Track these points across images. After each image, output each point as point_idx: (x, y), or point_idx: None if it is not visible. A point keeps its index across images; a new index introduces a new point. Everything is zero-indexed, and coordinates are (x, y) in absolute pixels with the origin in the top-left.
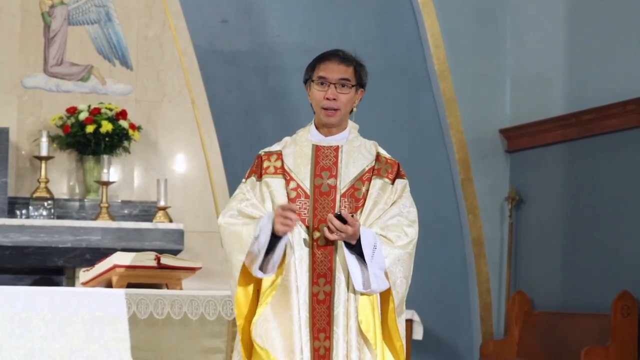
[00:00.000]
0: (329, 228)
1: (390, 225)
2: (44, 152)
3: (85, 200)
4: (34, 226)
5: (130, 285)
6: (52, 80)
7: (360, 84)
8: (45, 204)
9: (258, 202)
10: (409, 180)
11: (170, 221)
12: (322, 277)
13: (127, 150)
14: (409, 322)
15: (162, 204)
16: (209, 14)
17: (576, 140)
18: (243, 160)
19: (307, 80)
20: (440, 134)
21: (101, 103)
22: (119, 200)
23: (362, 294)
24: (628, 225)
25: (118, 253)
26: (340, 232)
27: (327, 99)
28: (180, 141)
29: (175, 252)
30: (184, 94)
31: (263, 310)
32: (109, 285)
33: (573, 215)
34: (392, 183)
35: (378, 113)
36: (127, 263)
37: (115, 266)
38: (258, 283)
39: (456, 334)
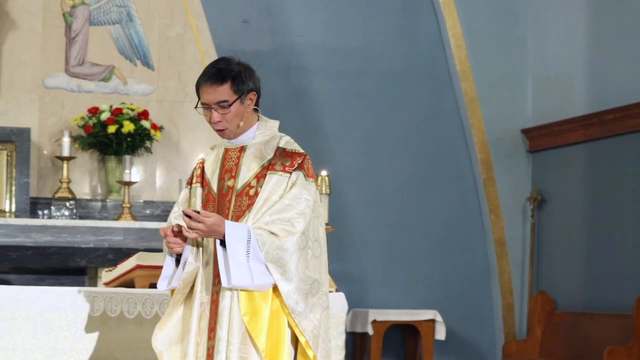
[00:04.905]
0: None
1: (276, 219)
2: (65, 153)
3: (107, 200)
4: (56, 226)
5: (152, 286)
6: (74, 81)
7: (242, 92)
8: (67, 204)
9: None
10: (432, 181)
11: None
12: (217, 277)
13: (148, 150)
14: (431, 322)
15: None
16: (231, 14)
17: (598, 140)
18: None
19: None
20: (462, 133)
21: (123, 103)
22: (141, 201)
23: (244, 290)
24: None
25: (140, 253)
26: (195, 229)
27: (213, 122)
28: (202, 141)
29: None
30: None
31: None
32: (131, 285)
33: (595, 215)
34: (291, 175)
35: (400, 113)
36: (150, 263)
37: (137, 266)
38: None
39: (479, 334)
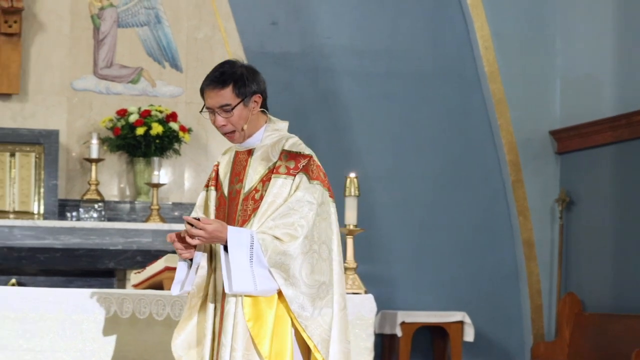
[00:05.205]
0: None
1: (280, 224)
2: (94, 155)
3: (136, 202)
4: (85, 228)
5: None
6: (102, 83)
7: (245, 95)
8: (96, 206)
9: (202, 213)
10: (460, 182)
11: None
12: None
13: (177, 152)
14: (460, 324)
15: None
16: (259, 15)
17: (626, 141)
18: None
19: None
20: (490, 135)
21: (151, 105)
22: (170, 202)
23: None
24: None
25: (169, 255)
26: (196, 235)
27: (217, 126)
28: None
29: None
30: None
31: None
32: (160, 287)
33: (623, 217)
34: (295, 178)
35: (428, 114)
36: None
37: (166, 268)
38: None
39: (507, 335)
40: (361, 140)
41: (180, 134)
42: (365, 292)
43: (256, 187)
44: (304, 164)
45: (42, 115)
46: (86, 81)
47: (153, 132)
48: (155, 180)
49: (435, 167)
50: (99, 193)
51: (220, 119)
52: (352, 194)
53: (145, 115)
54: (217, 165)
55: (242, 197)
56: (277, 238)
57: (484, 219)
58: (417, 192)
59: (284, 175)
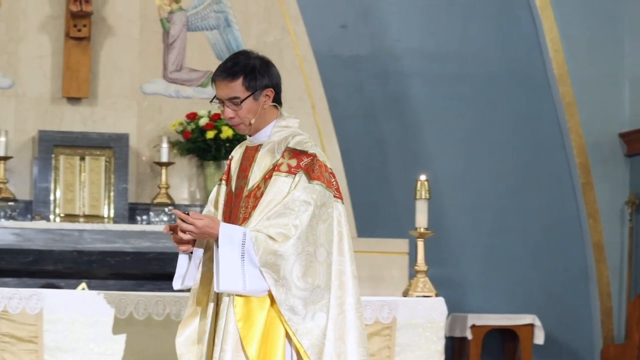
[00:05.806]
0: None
1: (274, 223)
2: (164, 158)
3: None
4: (155, 232)
5: None
6: (172, 86)
7: (256, 88)
8: (166, 209)
9: (212, 207)
10: (530, 185)
11: None
12: None
13: None
14: (530, 327)
15: None
16: (328, 18)
17: None
18: (363, 164)
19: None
20: (559, 137)
21: None
22: None
23: (241, 295)
24: None
25: None
26: (188, 230)
27: (225, 118)
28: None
29: None
30: (304, 99)
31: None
32: None
33: None
34: (295, 177)
35: (497, 116)
36: None
37: None
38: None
39: (577, 338)
40: (431, 143)
41: None
42: (436, 295)
43: (259, 184)
44: (306, 162)
45: (112, 119)
46: (156, 85)
47: (223, 135)
48: None
49: (505, 169)
50: (169, 197)
51: (229, 111)
52: (423, 196)
53: (215, 119)
54: (231, 160)
55: (245, 193)
56: (270, 237)
57: (553, 221)
58: (487, 194)
59: (285, 174)
